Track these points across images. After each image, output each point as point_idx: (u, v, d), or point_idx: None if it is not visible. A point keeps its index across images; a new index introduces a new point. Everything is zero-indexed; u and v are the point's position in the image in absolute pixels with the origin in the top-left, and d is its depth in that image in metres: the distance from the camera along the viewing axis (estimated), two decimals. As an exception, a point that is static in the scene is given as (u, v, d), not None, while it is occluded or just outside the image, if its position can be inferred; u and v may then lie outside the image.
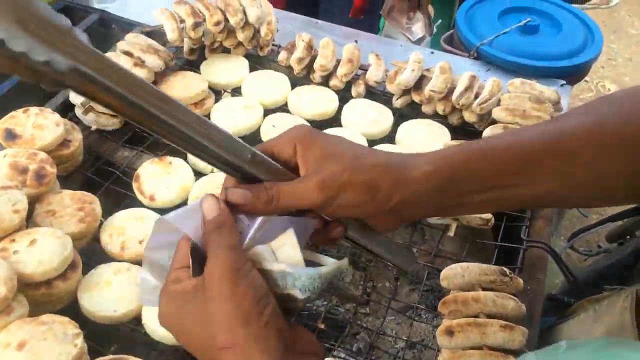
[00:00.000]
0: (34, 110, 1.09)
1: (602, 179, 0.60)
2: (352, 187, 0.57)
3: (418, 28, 1.94)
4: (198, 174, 1.12)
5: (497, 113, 1.16)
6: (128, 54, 1.23)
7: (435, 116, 1.27)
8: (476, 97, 1.20)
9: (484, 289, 0.88)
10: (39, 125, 1.06)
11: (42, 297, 0.87)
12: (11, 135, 1.04)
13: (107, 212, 1.05)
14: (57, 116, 1.09)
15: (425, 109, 1.27)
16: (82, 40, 0.45)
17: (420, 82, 1.26)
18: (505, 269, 0.88)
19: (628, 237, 1.72)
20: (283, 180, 0.58)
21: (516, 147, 0.61)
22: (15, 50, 0.41)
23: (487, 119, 1.21)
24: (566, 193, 0.63)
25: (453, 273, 0.90)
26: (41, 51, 0.42)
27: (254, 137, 1.23)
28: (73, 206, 0.99)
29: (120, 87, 0.47)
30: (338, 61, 1.33)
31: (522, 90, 1.21)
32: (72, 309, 0.91)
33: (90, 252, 1.01)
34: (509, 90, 1.23)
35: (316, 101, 1.28)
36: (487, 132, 1.14)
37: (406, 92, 1.28)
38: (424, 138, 1.21)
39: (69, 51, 0.44)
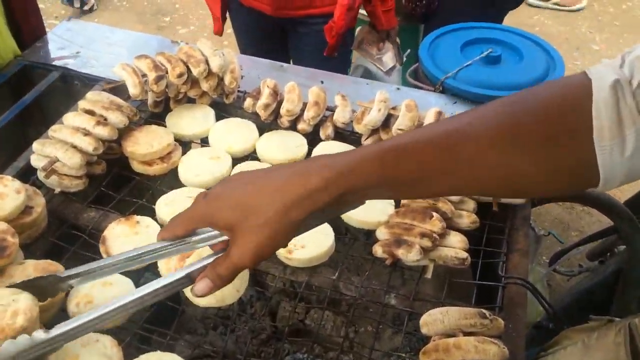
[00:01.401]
0: (-8, 178, 1.06)
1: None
2: (269, 247, 0.67)
3: (388, 58, 1.97)
4: (168, 231, 1.09)
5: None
6: (90, 112, 1.21)
7: (405, 154, 1.26)
8: (444, 132, 1.20)
9: (465, 334, 0.86)
10: (-1, 194, 1.03)
11: (6, 378, 0.82)
12: (-31, 207, 1.01)
13: (75, 278, 1.01)
14: (17, 183, 1.06)
15: (395, 147, 1.27)
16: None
17: (387, 121, 1.26)
18: (484, 311, 0.87)
19: (608, 254, 1.73)
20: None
21: (419, 147, 0.65)
22: None
23: (457, 154, 1.21)
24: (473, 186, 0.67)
25: (432, 319, 0.88)
26: None
27: (223, 187, 1.21)
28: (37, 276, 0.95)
29: None
30: (305, 104, 1.32)
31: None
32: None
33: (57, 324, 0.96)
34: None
35: (285, 146, 1.27)
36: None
37: (374, 131, 1.28)
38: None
39: None
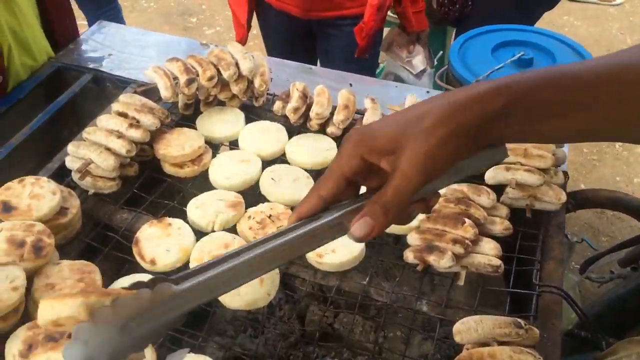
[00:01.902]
0: (29, 179, 1.07)
1: None
2: (440, 156, 0.59)
3: (419, 61, 1.95)
4: (198, 233, 1.10)
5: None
6: (123, 114, 1.22)
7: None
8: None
9: (499, 343, 0.84)
10: (35, 195, 1.04)
11: (43, 378, 0.84)
12: (7, 208, 1.03)
13: (108, 278, 1.02)
14: (53, 184, 1.07)
15: (425, 151, 1.25)
16: None
17: (418, 125, 1.25)
18: (520, 320, 0.85)
19: (640, 261, 1.69)
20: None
21: (586, 75, 0.60)
22: None
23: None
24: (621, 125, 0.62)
25: (466, 327, 0.87)
26: None
27: (253, 190, 1.21)
28: (73, 277, 0.97)
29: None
30: (334, 107, 1.32)
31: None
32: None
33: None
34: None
35: (315, 150, 1.27)
36: (489, 172, 1.13)
37: (404, 135, 1.27)
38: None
39: None
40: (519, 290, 1.00)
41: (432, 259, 1.01)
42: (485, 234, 1.06)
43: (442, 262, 0.99)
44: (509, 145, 1.15)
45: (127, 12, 4.14)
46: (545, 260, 1.05)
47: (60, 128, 1.54)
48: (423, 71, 1.84)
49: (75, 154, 1.15)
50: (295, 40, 2.01)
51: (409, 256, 1.04)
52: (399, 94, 1.45)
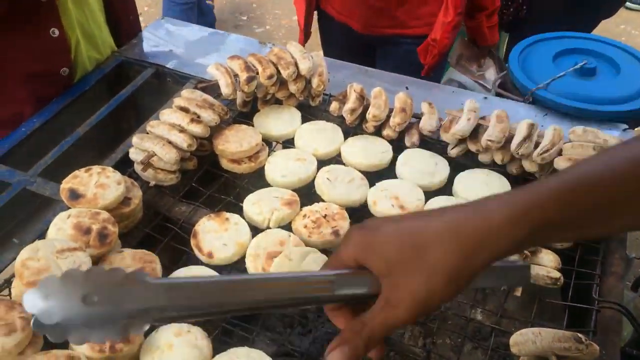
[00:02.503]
0: (96, 169, 1.11)
1: None
2: (437, 299, 0.55)
3: (490, 74, 1.89)
4: (253, 229, 1.12)
5: (559, 163, 1.13)
6: (184, 109, 1.25)
7: (493, 165, 1.24)
8: (536, 146, 1.17)
9: (557, 357, 0.83)
10: (101, 185, 1.08)
11: (106, 361, 0.87)
12: (75, 195, 1.07)
13: (166, 268, 1.05)
14: (118, 175, 1.11)
15: (482, 157, 1.24)
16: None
17: (476, 131, 1.24)
18: (580, 335, 0.84)
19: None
20: (370, 288, 0.58)
21: (608, 178, 0.55)
22: None
23: (549, 169, 1.17)
24: None
25: (524, 339, 0.85)
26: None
27: (308, 188, 1.23)
28: (134, 266, 1.00)
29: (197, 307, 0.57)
30: (390, 110, 1.32)
31: (585, 139, 1.17)
32: (133, 373, 0.90)
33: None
34: (571, 139, 1.19)
35: (370, 152, 1.27)
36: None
37: (462, 141, 1.26)
38: (482, 189, 1.18)
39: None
40: (578, 305, 0.98)
41: (488, 267, 0.99)
42: (545, 245, 1.04)
43: (500, 272, 0.98)
44: (570, 155, 1.13)
45: (180, 8, 4.23)
46: (606, 275, 1.03)
47: (119, 120, 1.58)
48: (494, 82, 1.79)
49: (139, 146, 1.19)
50: (353, 52, 1.98)
51: (465, 263, 1.03)
52: (456, 99, 1.44)
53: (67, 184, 1.09)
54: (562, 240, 0.59)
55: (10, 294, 1.01)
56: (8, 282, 1.00)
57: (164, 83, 1.57)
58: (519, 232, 0.54)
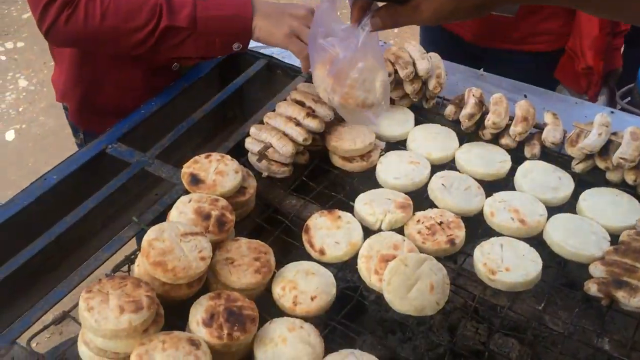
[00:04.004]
0: (215, 156, 1.13)
1: None
2: (462, 11, 0.71)
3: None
4: (365, 230, 1.10)
5: None
6: (300, 103, 1.25)
7: (622, 185, 1.16)
8: (675, 168, 1.08)
9: None
10: (220, 172, 1.09)
11: (223, 347, 0.88)
12: (195, 180, 1.08)
13: (276, 261, 1.05)
14: (236, 163, 1.12)
15: (611, 176, 1.17)
16: None
17: (605, 147, 1.16)
18: None
19: None
20: None
21: None
22: None
23: (689, 195, 1.08)
24: None
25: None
26: None
27: (419, 194, 1.19)
28: (250, 255, 1.00)
29: None
30: (510, 118, 1.26)
31: None
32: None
33: (259, 303, 1.01)
34: None
35: (487, 160, 1.22)
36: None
37: (589, 156, 1.18)
38: (610, 210, 1.10)
39: None
40: None
41: (620, 295, 0.93)
42: None
43: (634, 301, 0.92)
44: None
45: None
46: None
47: (225, 108, 1.61)
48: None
49: (256, 137, 1.19)
50: (461, 58, 1.92)
51: (592, 288, 0.97)
52: (579, 112, 1.36)
53: (188, 168, 1.11)
54: None
55: (129, 270, 1.04)
56: (128, 259, 1.03)
57: (273, 75, 1.58)
58: None
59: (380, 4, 0.82)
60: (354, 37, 0.94)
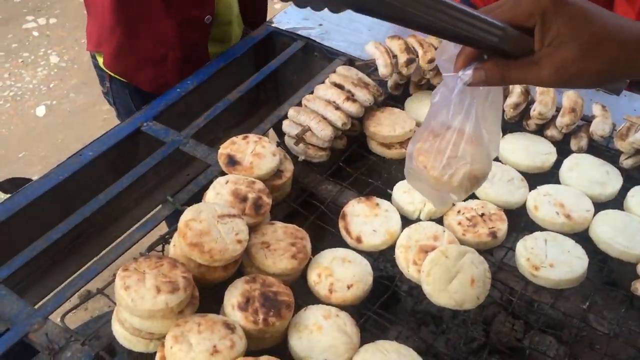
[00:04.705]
0: (252, 137, 1.11)
1: None
2: (586, 76, 0.61)
3: None
4: (403, 219, 1.07)
5: None
6: (339, 86, 1.22)
7: (674, 183, 1.11)
8: None
9: None
10: (257, 154, 1.07)
11: (258, 333, 0.86)
12: (232, 162, 1.07)
13: (312, 246, 1.03)
14: (273, 146, 1.10)
15: (663, 173, 1.12)
16: None
17: (658, 143, 1.11)
18: None
19: None
20: (520, 46, 0.63)
21: None
22: None
23: None
24: None
25: None
26: None
27: (459, 184, 1.16)
28: (286, 240, 0.98)
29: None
30: (557, 109, 1.21)
31: None
32: (280, 349, 0.89)
33: (294, 288, 0.99)
34: None
35: (532, 151, 1.18)
36: None
37: (638, 151, 1.13)
38: (661, 208, 1.06)
39: None
40: None
41: (672, 297, 0.89)
42: None
43: (687, 305, 0.87)
44: None
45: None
46: None
47: (258, 89, 1.59)
48: None
49: (294, 119, 1.17)
50: None
51: (640, 289, 0.93)
52: (629, 105, 1.31)
53: (225, 149, 1.09)
54: None
55: (163, 250, 1.03)
56: (163, 238, 1.02)
57: (310, 57, 1.55)
58: None
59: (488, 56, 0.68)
60: (452, 87, 0.71)
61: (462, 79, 0.68)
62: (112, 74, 1.55)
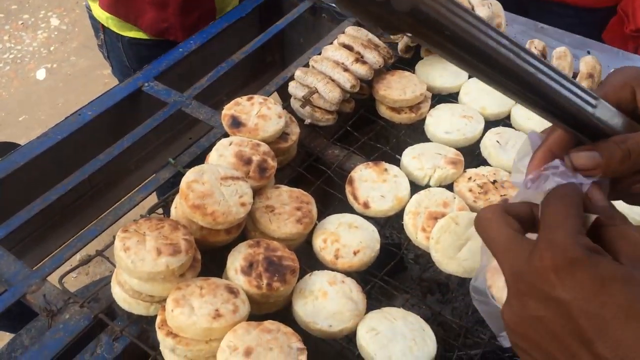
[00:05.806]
0: (257, 99, 1.07)
1: None
2: None
3: None
4: (412, 185, 1.04)
5: None
6: (348, 47, 1.17)
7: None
8: None
9: None
10: (263, 116, 1.03)
11: (262, 297, 0.84)
12: (236, 123, 1.03)
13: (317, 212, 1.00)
14: (279, 108, 1.06)
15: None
16: None
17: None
18: None
19: None
20: (628, 131, 0.53)
21: None
22: None
23: None
24: None
25: None
26: None
27: (471, 150, 1.12)
28: (291, 204, 0.95)
29: (461, 32, 0.44)
30: (574, 75, 1.17)
31: None
32: (283, 314, 0.87)
33: (299, 254, 0.96)
34: None
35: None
36: None
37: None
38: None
39: None
40: None
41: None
42: None
43: None
44: None
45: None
46: None
47: (265, 52, 1.54)
48: None
49: (301, 81, 1.12)
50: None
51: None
52: (647, 71, 1.25)
53: (229, 110, 1.05)
54: None
55: (164, 213, 1.01)
56: (164, 201, 0.99)
57: (317, 19, 1.50)
58: None
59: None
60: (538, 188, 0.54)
61: (553, 174, 0.52)
62: (111, 16, 1.49)
